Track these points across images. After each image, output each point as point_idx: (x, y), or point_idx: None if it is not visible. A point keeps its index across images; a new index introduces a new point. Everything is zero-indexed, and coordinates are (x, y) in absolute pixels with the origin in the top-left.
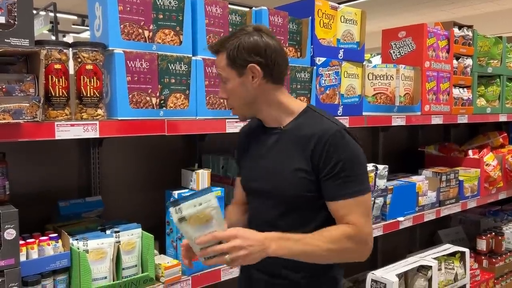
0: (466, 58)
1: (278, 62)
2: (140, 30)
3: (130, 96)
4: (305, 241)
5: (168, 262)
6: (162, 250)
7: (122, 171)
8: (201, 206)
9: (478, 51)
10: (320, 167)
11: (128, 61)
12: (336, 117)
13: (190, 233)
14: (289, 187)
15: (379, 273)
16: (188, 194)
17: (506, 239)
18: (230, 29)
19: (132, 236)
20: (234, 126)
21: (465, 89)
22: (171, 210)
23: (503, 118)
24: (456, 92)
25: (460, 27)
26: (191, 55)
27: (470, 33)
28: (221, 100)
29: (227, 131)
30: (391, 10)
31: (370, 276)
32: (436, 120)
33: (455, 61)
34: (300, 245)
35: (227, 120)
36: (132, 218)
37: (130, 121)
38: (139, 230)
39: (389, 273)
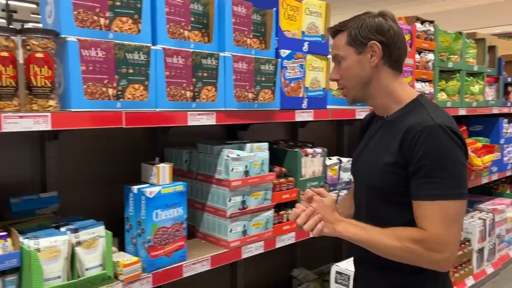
0: (428, 53)
1: (399, 46)
2: (95, 17)
3: (84, 86)
4: (371, 231)
5: (127, 260)
6: (122, 247)
7: (80, 165)
8: None
9: (439, 46)
10: (408, 162)
11: (82, 50)
12: (300, 111)
13: None
14: (377, 178)
15: (343, 265)
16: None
17: (465, 229)
18: (192, 19)
19: (94, 235)
20: (196, 119)
21: (427, 83)
22: None
23: (462, 112)
24: (418, 86)
25: (423, 22)
26: (151, 44)
27: (432, 28)
28: (183, 92)
29: (189, 124)
30: (359, 6)
31: (334, 268)
32: None
33: (417, 56)
34: (364, 234)
35: (189, 113)
36: (91, 214)
37: (84, 113)
38: (102, 227)
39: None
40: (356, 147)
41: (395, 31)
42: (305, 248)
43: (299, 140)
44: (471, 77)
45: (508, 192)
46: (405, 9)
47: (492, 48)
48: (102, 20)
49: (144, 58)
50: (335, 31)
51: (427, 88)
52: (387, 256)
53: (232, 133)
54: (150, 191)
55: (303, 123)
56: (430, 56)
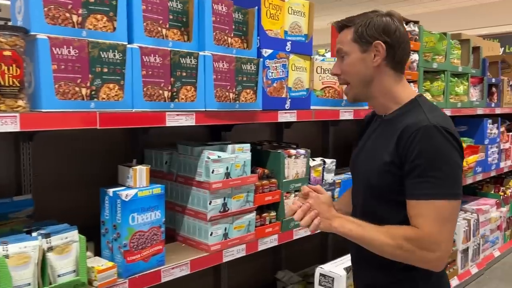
0: (413, 53)
1: (403, 47)
2: (68, 14)
3: (56, 86)
4: (367, 228)
5: (102, 265)
6: (98, 252)
7: (57, 167)
8: None
9: (424, 47)
10: (403, 162)
11: (53, 48)
12: (283, 112)
13: None
14: (374, 177)
15: (327, 267)
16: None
17: None
18: (171, 17)
19: (67, 240)
20: (175, 120)
21: (411, 84)
22: None
23: (447, 112)
24: None
25: (407, 22)
26: (126, 43)
27: (417, 29)
28: (160, 91)
29: (167, 125)
30: (347, 7)
31: (318, 270)
32: None
33: None
34: (360, 230)
35: (167, 113)
36: (68, 217)
37: (56, 114)
38: (75, 232)
39: (337, 266)
40: (355, 146)
41: (401, 33)
42: (290, 249)
43: (284, 140)
44: (456, 78)
45: (492, 192)
46: (394, 10)
47: (476, 49)
48: (74, 17)
49: (120, 56)
50: (341, 26)
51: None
52: (381, 254)
53: (216, 133)
54: (126, 194)
55: (288, 124)
56: (415, 57)
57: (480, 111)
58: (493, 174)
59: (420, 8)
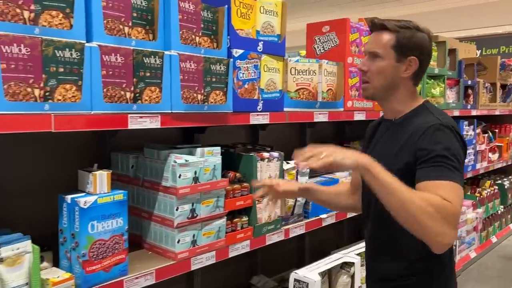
0: None
1: (427, 64)
2: (18, 10)
3: (5, 86)
4: (394, 179)
5: (58, 277)
6: (57, 262)
7: (17, 173)
8: None
9: None
10: (416, 158)
11: (2, 46)
12: (255, 113)
13: None
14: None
15: (302, 272)
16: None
17: None
18: (135, 14)
19: (19, 250)
20: (138, 122)
21: None
22: None
23: None
24: None
25: None
26: (85, 41)
27: None
28: (122, 92)
29: (129, 128)
30: (327, 8)
31: (293, 275)
32: (359, 116)
33: None
34: (389, 177)
35: (129, 115)
36: (23, 226)
37: (5, 116)
38: (28, 242)
39: (312, 271)
40: (362, 150)
41: (430, 54)
42: (266, 253)
43: (260, 143)
44: (432, 80)
45: (469, 193)
46: (372, 12)
47: (452, 51)
48: (26, 13)
49: (77, 56)
50: (380, 26)
51: None
52: (400, 210)
53: (189, 135)
54: (85, 201)
55: (264, 126)
56: None
57: (456, 113)
58: (469, 175)
59: (403, 9)
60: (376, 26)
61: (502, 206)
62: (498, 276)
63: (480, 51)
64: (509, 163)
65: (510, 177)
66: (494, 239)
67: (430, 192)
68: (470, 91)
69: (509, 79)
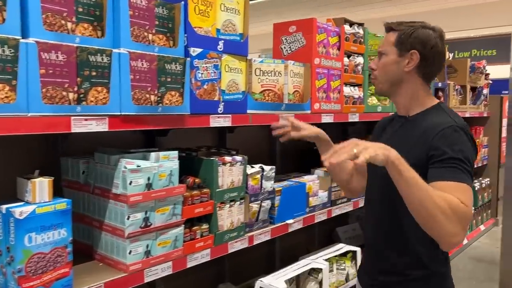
0: (357, 56)
1: (436, 62)
2: None
3: None
4: (417, 175)
5: None
6: None
7: None
8: None
9: (369, 50)
10: (429, 156)
11: None
12: (215, 116)
13: None
14: None
15: (267, 280)
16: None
17: None
18: (80, 9)
19: None
20: (82, 125)
21: (356, 88)
22: None
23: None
24: (347, 90)
25: (351, 24)
26: (20, 37)
27: (361, 31)
28: (64, 93)
29: (73, 131)
30: (311, 10)
31: (258, 283)
32: (327, 119)
33: (346, 59)
34: (413, 173)
35: (72, 118)
36: None
37: None
38: None
39: (279, 279)
40: None
41: (438, 49)
42: (234, 260)
43: (227, 146)
44: None
45: None
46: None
47: None
48: None
49: (11, 53)
50: (388, 28)
51: (356, 92)
52: (420, 207)
53: (152, 139)
54: (21, 211)
55: (231, 128)
56: (360, 60)
57: None
58: None
59: (372, 13)
60: (386, 28)
61: (472, 208)
62: (469, 277)
63: (452, 54)
64: (480, 165)
65: (480, 179)
66: (465, 240)
67: (446, 193)
68: (440, 93)
69: (479, 81)
